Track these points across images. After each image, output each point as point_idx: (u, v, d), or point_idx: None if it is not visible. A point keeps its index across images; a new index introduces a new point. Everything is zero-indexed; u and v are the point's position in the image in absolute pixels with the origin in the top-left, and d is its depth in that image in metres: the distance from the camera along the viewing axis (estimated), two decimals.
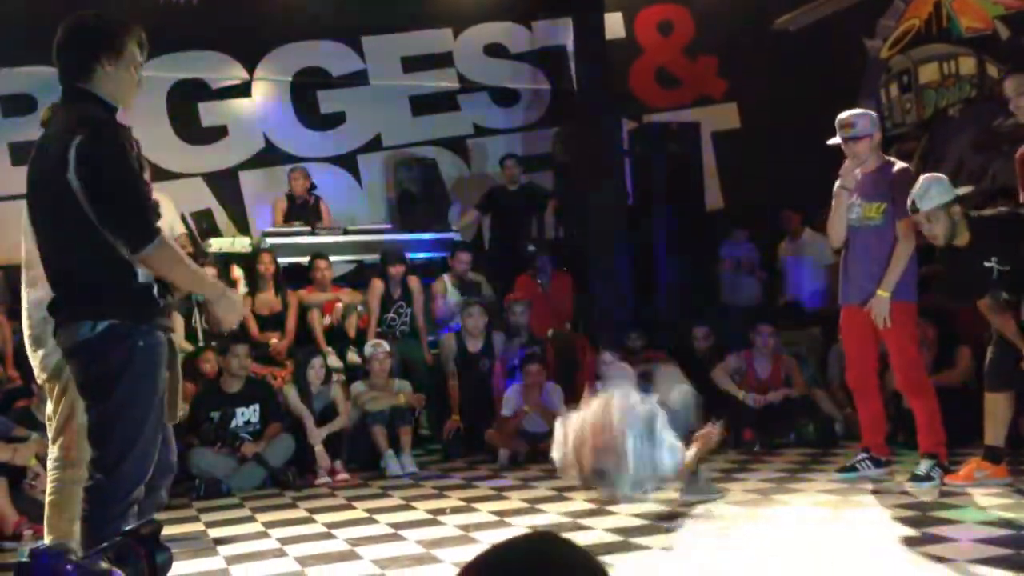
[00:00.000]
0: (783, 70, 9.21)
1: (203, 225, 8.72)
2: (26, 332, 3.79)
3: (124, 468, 2.84)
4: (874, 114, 5.16)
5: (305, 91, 9.43)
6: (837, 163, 5.18)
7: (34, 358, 3.76)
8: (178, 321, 6.53)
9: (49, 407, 3.77)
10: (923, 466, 4.84)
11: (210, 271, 6.97)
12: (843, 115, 5.04)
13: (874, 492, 4.77)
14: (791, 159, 8.49)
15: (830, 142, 5.07)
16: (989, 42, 8.04)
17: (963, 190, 5.07)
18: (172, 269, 2.86)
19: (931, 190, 4.60)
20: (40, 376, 3.76)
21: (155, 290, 2.93)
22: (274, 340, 7.43)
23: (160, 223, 2.96)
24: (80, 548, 2.73)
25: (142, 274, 2.90)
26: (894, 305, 4.87)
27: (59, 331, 2.94)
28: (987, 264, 4.65)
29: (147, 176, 3.02)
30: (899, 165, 5.07)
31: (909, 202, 4.66)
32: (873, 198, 4.97)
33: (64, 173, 2.78)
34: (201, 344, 7.15)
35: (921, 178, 4.71)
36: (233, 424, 6.24)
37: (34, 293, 3.72)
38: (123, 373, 2.84)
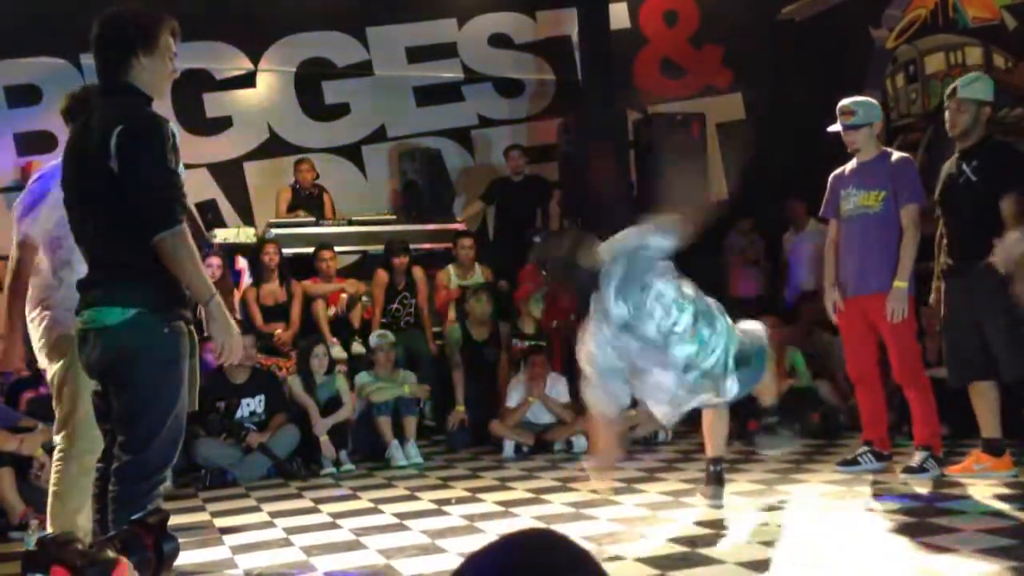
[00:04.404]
0: (789, 60, 9.18)
1: (208, 216, 8.72)
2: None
3: (151, 451, 2.92)
4: (875, 102, 5.14)
5: (309, 82, 9.43)
6: (842, 153, 5.17)
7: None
8: None
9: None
10: (917, 458, 4.85)
11: (214, 261, 7.00)
12: (844, 102, 5.03)
13: (877, 483, 4.77)
14: (796, 150, 8.46)
15: (830, 129, 5.06)
16: (996, 32, 7.98)
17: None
18: (182, 263, 2.87)
19: (976, 83, 4.80)
20: (45, 366, 3.77)
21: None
22: (279, 331, 7.45)
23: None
24: (112, 526, 2.80)
25: None
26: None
27: (86, 309, 2.98)
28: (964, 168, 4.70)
29: (180, 169, 3.07)
30: (899, 154, 5.05)
31: (950, 88, 4.79)
32: (872, 187, 4.95)
33: (107, 161, 2.85)
34: (206, 334, 7.14)
35: (975, 72, 4.83)
36: (238, 414, 6.26)
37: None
38: (139, 359, 2.90)
